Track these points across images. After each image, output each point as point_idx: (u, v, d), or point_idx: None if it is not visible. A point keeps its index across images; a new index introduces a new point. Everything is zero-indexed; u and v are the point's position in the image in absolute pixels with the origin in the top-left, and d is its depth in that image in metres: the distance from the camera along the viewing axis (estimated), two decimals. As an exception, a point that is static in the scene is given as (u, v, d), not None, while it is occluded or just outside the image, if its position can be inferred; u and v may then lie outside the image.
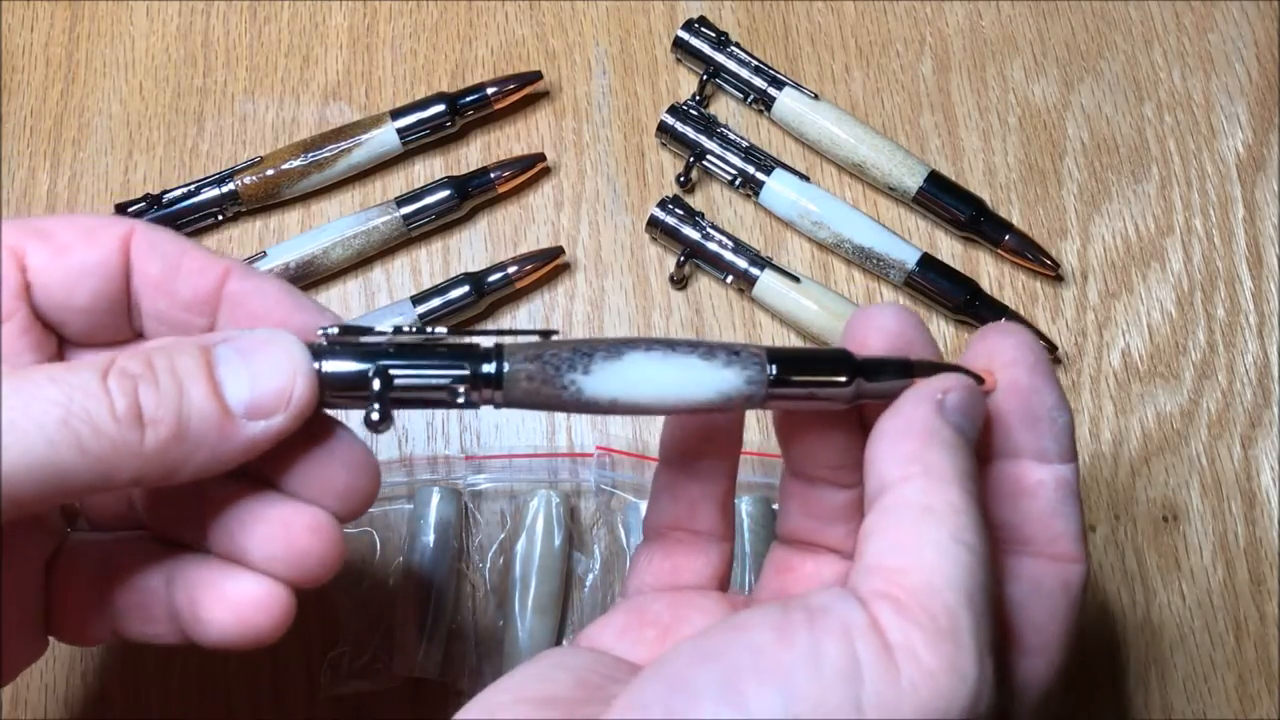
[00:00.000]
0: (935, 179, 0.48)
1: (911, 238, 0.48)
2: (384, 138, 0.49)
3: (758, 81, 0.49)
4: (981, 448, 0.28)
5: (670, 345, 0.29)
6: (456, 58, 0.51)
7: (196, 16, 0.52)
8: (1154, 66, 0.51)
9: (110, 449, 0.25)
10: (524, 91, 0.49)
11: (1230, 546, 0.45)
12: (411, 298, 0.46)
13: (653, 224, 0.47)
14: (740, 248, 0.47)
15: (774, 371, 0.28)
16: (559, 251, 0.48)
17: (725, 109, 0.51)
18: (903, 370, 0.29)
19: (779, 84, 0.49)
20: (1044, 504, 0.28)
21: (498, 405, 0.29)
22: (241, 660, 0.44)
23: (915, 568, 0.24)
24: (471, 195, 0.48)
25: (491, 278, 0.47)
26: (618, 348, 0.28)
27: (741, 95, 0.50)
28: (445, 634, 0.43)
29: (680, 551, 0.33)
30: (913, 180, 0.48)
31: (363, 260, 0.48)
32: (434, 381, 0.28)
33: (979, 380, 0.29)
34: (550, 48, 0.51)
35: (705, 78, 0.50)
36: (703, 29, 0.50)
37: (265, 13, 0.52)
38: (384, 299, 0.48)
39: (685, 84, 0.51)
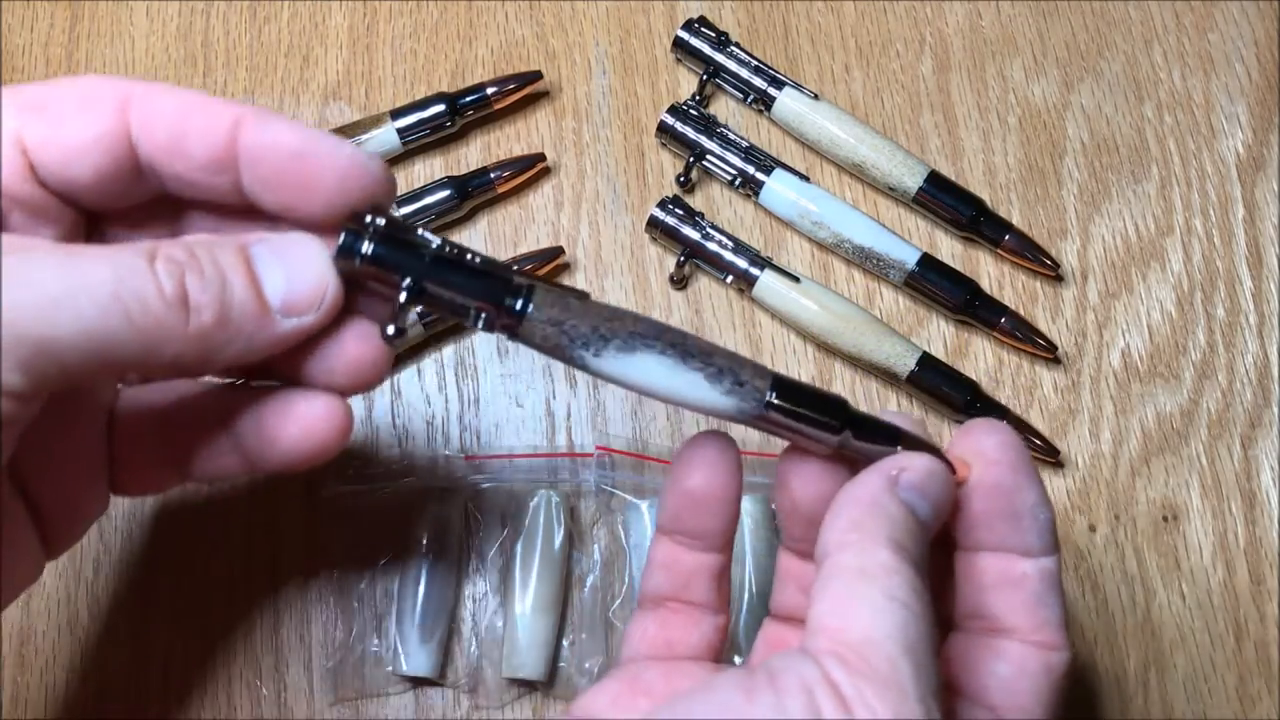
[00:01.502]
0: (935, 179, 0.48)
1: (911, 238, 0.48)
2: (384, 138, 0.49)
3: (758, 81, 0.49)
4: (967, 540, 0.30)
5: (684, 355, 0.30)
6: (456, 58, 0.51)
7: (196, 17, 0.52)
8: (1154, 66, 0.51)
9: (155, 327, 0.27)
10: (524, 91, 0.49)
11: (1230, 546, 0.45)
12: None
13: (653, 224, 0.47)
14: (740, 248, 0.47)
15: (773, 398, 0.30)
16: (559, 251, 0.48)
17: (725, 109, 0.51)
18: (890, 438, 0.30)
19: (779, 84, 0.49)
20: (1028, 594, 0.30)
21: (509, 337, 0.30)
22: (242, 660, 0.44)
23: (853, 625, 0.26)
24: (471, 195, 0.48)
25: (491, 278, 0.47)
26: (632, 342, 0.30)
27: (741, 95, 0.50)
28: (445, 634, 0.43)
29: (675, 623, 0.33)
30: (913, 180, 0.48)
31: (363, 260, 0.48)
32: (460, 300, 0.30)
33: (952, 469, 0.30)
34: (550, 48, 0.51)
35: (705, 78, 0.50)
36: (703, 29, 0.50)
37: (265, 13, 0.52)
38: (384, 299, 0.48)
39: (685, 84, 0.51)
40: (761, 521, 0.44)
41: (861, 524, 0.28)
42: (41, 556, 0.33)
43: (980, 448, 0.30)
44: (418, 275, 0.30)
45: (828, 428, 0.30)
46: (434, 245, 0.30)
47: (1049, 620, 0.30)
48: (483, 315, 0.30)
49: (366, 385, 0.32)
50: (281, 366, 0.31)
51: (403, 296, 0.30)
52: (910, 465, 0.29)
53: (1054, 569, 0.30)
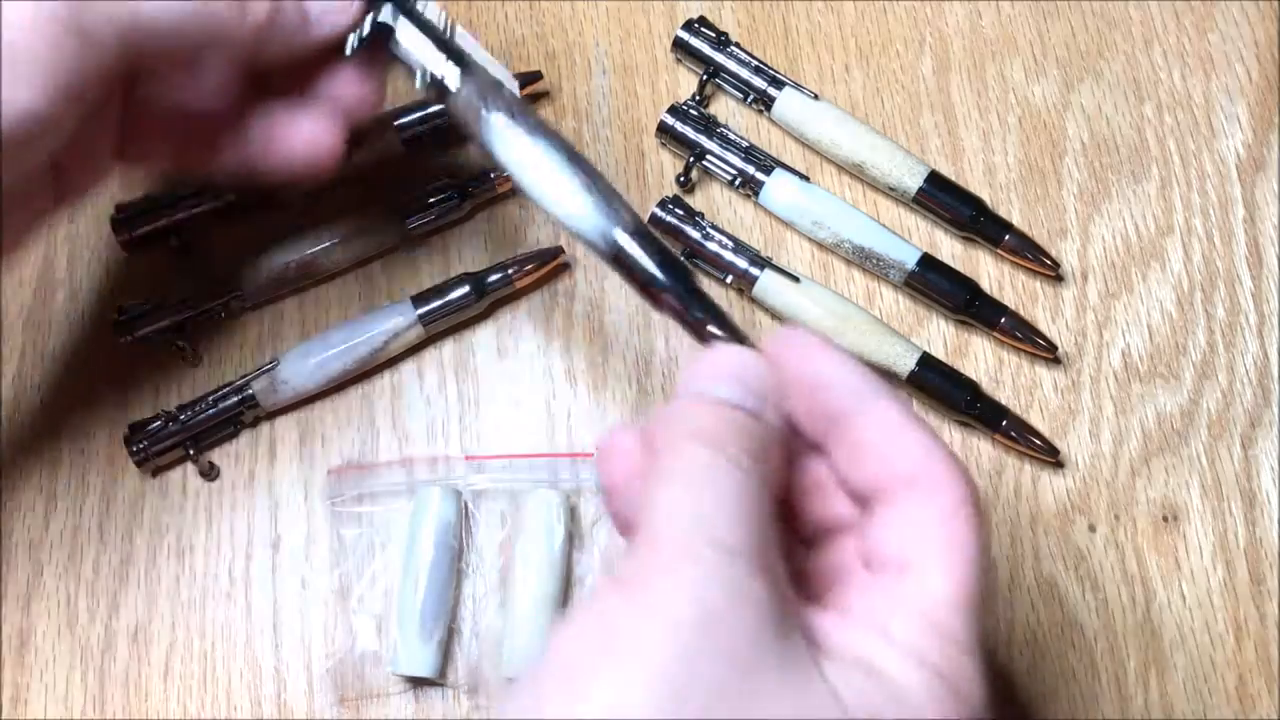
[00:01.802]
0: (935, 179, 0.48)
1: (911, 238, 0.48)
2: (384, 138, 0.49)
3: (758, 81, 0.49)
4: (821, 436, 0.31)
5: (573, 160, 0.35)
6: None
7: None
8: (1154, 66, 0.51)
9: (216, 20, 0.34)
10: (524, 91, 0.49)
11: (1230, 546, 0.45)
12: (412, 298, 0.46)
13: (653, 224, 0.47)
14: (740, 248, 0.47)
15: (625, 229, 0.34)
16: (559, 251, 0.48)
17: (725, 109, 0.51)
18: (705, 319, 0.33)
19: (779, 84, 0.49)
20: (890, 446, 0.29)
21: (438, 99, 0.37)
22: (242, 660, 0.44)
23: (653, 510, 0.27)
24: (471, 195, 0.48)
25: (491, 278, 0.47)
26: (539, 130, 0.35)
27: (741, 95, 0.50)
28: (445, 634, 0.43)
29: None
30: (913, 180, 0.48)
31: (363, 260, 0.48)
32: (411, 56, 0.37)
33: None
34: (550, 48, 0.51)
35: (705, 78, 0.50)
36: (703, 29, 0.50)
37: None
38: (384, 299, 0.48)
39: (685, 84, 0.51)
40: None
41: (664, 432, 0.29)
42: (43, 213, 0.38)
43: (785, 343, 0.31)
44: (395, 9, 0.37)
45: (661, 284, 0.34)
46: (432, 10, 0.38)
47: (926, 452, 0.29)
48: (425, 75, 0.37)
49: (359, 109, 0.39)
50: (296, 85, 0.38)
51: (367, 27, 0.37)
52: (711, 359, 0.31)
53: (901, 409, 0.30)
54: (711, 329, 0.33)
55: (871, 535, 0.30)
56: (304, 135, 0.38)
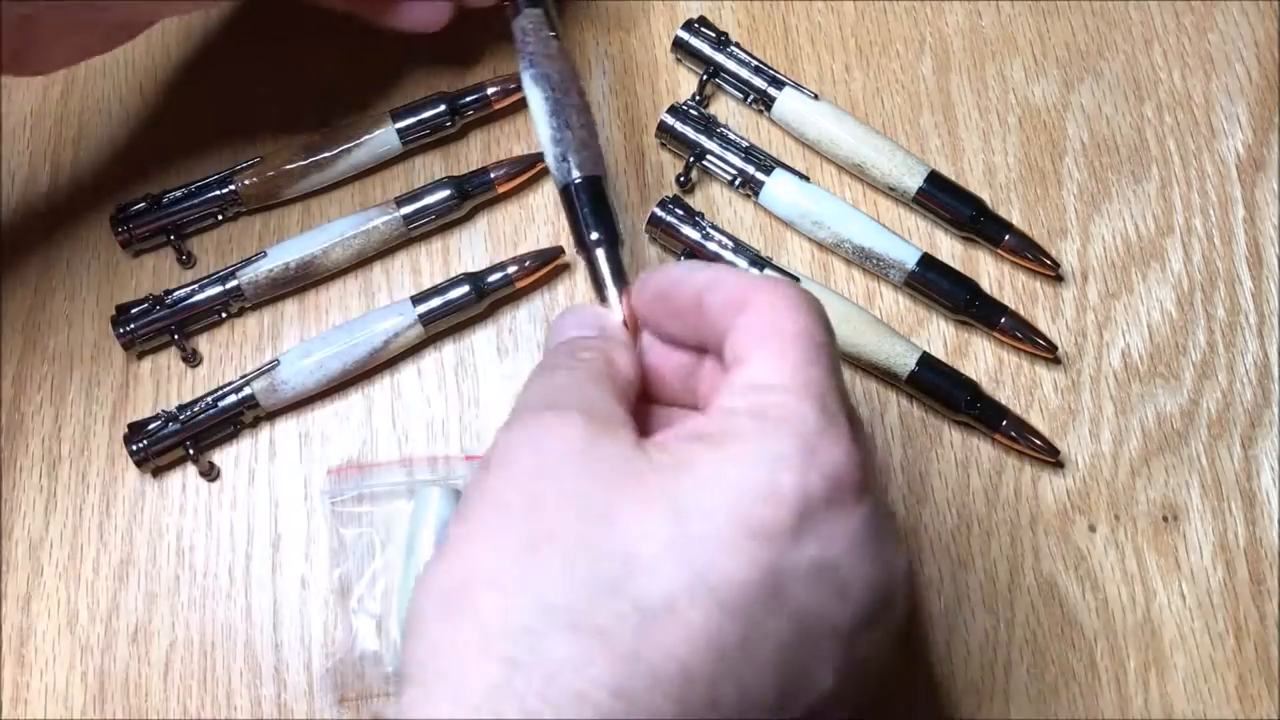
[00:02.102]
0: (935, 179, 0.48)
1: (911, 238, 0.48)
2: (384, 138, 0.49)
3: (758, 81, 0.49)
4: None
5: (558, 110, 0.42)
6: (457, 58, 0.51)
7: (197, 16, 0.52)
8: (1154, 66, 0.51)
9: None
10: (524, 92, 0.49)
11: (1230, 546, 0.45)
12: (411, 298, 0.46)
13: (653, 224, 0.47)
14: (740, 248, 0.47)
15: (575, 177, 0.41)
16: (559, 251, 0.48)
17: (725, 109, 0.51)
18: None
19: (779, 84, 0.49)
20: (722, 291, 0.32)
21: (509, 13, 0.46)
22: (242, 660, 0.44)
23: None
24: (471, 195, 0.48)
25: (491, 278, 0.47)
26: (540, 80, 0.43)
27: (741, 95, 0.50)
28: (445, 634, 0.43)
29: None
30: (913, 180, 0.48)
31: (363, 260, 0.48)
32: None
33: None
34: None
35: (705, 78, 0.50)
36: (703, 29, 0.50)
37: (265, 13, 0.52)
38: (384, 299, 0.48)
39: (685, 84, 0.51)
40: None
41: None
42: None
43: (644, 279, 0.35)
44: None
45: (587, 239, 0.39)
46: None
47: (745, 286, 0.31)
48: None
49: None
50: None
51: None
52: (561, 317, 0.36)
53: (727, 271, 0.33)
54: (607, 292, 0.38)
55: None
56: (421, 12, 0.45)
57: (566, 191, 0.41)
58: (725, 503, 0.27)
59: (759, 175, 0.48)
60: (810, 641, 0.27)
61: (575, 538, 0.27)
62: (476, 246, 0.49)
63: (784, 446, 0.28)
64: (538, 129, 0.42)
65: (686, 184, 0.49)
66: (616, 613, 0.25)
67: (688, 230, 0.47)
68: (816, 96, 0.49)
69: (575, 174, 0.41)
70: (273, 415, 0.47)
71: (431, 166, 0.50)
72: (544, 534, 0.27)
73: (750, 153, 0.48)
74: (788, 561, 0.26)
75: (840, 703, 0.27)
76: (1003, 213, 0.48)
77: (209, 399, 0.45)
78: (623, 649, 0.25)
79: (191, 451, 0.45)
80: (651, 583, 0.25)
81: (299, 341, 0.47)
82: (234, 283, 0.47)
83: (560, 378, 0.32)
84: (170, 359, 0.48)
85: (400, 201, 0.48)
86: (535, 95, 0.43)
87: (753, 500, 0.27)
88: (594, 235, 0.39)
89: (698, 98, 0.50)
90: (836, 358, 0.31)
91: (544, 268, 0.47)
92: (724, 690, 0.25)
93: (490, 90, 0.49)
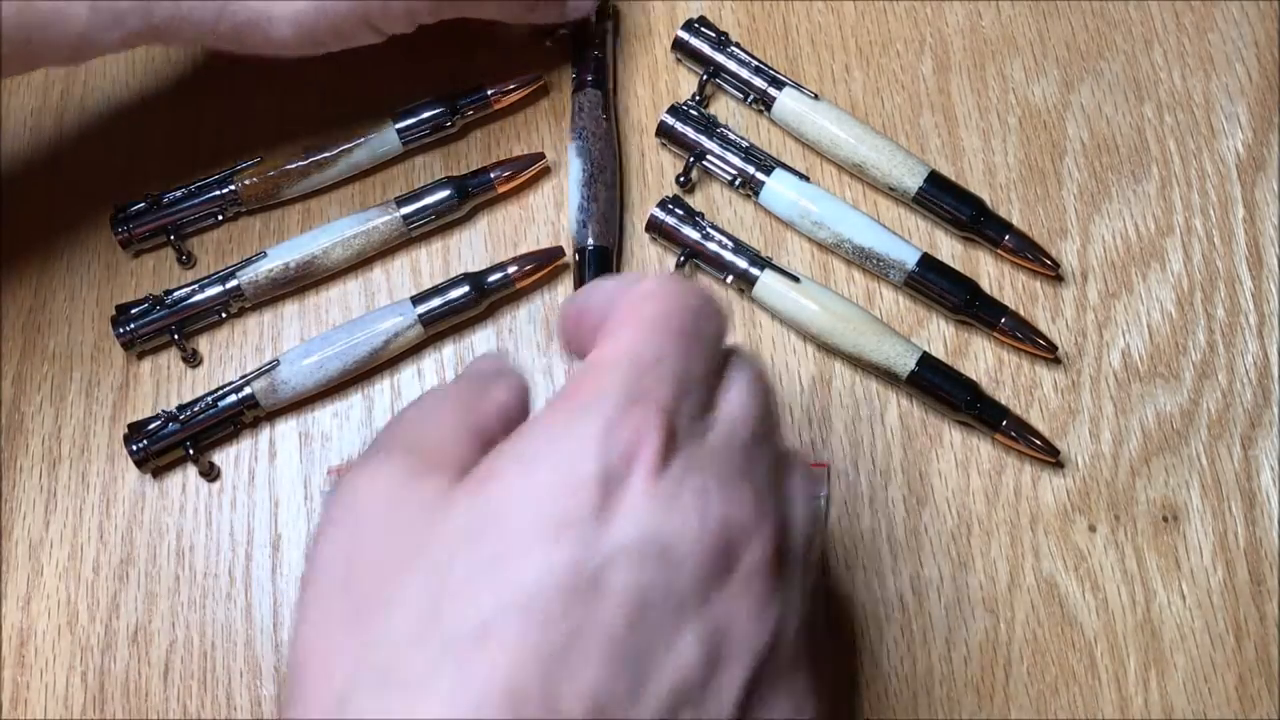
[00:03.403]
0: (935, 179, 0.48)
1: (911, 238, 0.48)
2: (384, 138, 0.49)
3: (758, 81, 0.49)
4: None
5: (588, 183, 0.47)
6: (457, 58, 0.51)
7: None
8: (1154, 66, 0.51)
9: None
10: (524, 91, 0.49)
11: (1230, 546, 0.45)
12: (411, 298, 0.46)
13: (653, 224, 0.47)
14: (740, 248, 0.47)
15: (592, 246, 0.46)
16: (559, 252, 0.48)
17: (725, 109, 0.51)
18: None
19: (779, 84, 0.49)
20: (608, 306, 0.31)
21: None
22: (242, 660, 0.44)
23: None
24: (471, 195, 0.48)
25: (491, 278, 0.47)
26: (581, 145, 0.48)
27: (741, 95, 0.50)
28: (445, 634, 0.43)
29: None
30: (913, 180, 0.48)
31: (363, 260, 0.48)
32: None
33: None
34: (550, 48, 0.51)
35: (705, 78, 0.50)
36: (703, 29, 0.50)
37: (265, 13, 0.52)
38: (384, 299, 0.48)
39: (685, 84, 0.51)
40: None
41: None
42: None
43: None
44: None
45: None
46: None
47: (616, 288, 0.31)
48: None
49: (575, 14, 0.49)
50: None
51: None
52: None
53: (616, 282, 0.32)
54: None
55: None
56: None
57: (581, 252, 0.46)
58: (523, 506, 0.26)
59: (759, 175, 0.48)
60: (650, 619, 0.25)
61: (384, 598, 0.26)
62: (476, 246, 0.49)
63: (584, 429, 0.26)
64: (570, 192, 0.47)
65: (686, 184, 0.49)
66: (428, 658, 0.25)
67: (688, 230, 0.47)
68: (816, 96, 0.49)
69: (590, 242, 0.46)
70: (273, 415, 0.47)
71: (431, 166, 0.50)
72: (361, 600, 0.27)
73: (750, 153, 0.48)
74: (598, 549, 0.25)
75: (739, 660, 0.26)
76: (1003, 213, 0.48)
77: (209, 399, 0.45)
78: (444, 689, 0.24)
79: (191, 451, 0.45)
80: (460, 615, 0.25)
81: (299, 341, 0.47)
82: (234, 283, 0.47)
83: (413, 410, 0.32)
84: (170, 359, 0.48)
85: (400, 201, 0.48)
86: (575, 165, 0.47)
87: (553, 495, 0.26)
88: None
89: (698, 98, 0.50)
90: (707, 342, 0.30)
91: (544, 268, 0.47)
92: (562, 693, 0.24)
93: (490, 90, 0.49)
